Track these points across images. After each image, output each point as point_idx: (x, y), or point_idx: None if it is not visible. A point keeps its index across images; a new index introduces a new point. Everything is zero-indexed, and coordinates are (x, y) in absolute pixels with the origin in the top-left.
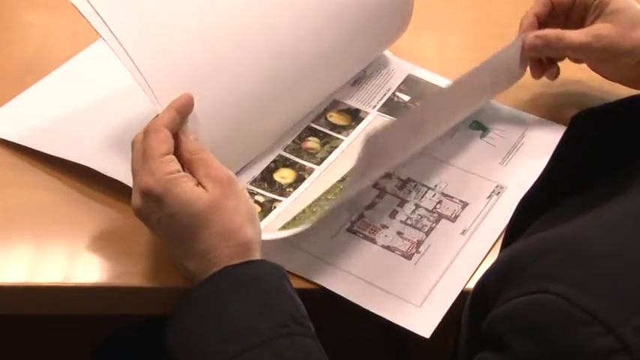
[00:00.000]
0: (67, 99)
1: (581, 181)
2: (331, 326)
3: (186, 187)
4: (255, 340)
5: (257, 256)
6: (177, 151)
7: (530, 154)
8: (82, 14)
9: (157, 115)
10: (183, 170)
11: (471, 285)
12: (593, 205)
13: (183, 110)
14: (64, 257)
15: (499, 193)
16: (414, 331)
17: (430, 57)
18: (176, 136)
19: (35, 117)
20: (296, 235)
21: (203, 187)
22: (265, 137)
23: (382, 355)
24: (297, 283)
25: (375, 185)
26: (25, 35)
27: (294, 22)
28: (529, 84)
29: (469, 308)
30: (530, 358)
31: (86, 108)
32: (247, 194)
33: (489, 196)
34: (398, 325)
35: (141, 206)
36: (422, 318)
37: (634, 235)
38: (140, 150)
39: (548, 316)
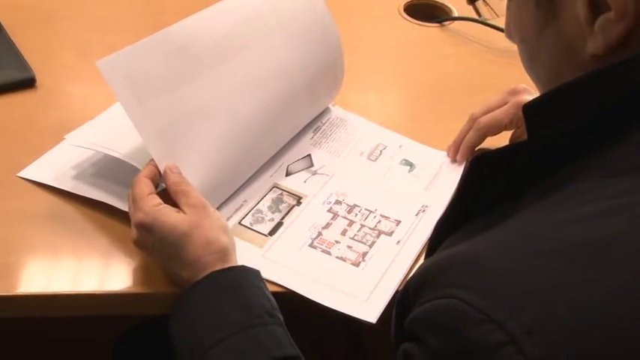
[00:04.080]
0: (88, 151)
1: (481, 207)
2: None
3: (170, 215)
4: (236, 328)
5: (235, 259)
6: (166, 183)
7: (446, 181)
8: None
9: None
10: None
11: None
12: (488, 227)
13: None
14: (97, 271)
15: (424, 210)
16: (363, 318)
17: (374, 112)
18: (165, 173)
19: (65, 164)
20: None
21: (183, 212)
22: (239, 178)
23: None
24: (271, 288)
25: (329, 210)
26: (63, 102)
27: (253, 94)
28: (447, 132)
29: (396, 309)
30: (440, 350)
31: (103, 157)
32: (219, 214)
33: (417, 214)
34: (350, 316)
35: (138, 238)
36: (368, 308)
37: (515, 252)
38: (130, 197)
39: (453, 317)
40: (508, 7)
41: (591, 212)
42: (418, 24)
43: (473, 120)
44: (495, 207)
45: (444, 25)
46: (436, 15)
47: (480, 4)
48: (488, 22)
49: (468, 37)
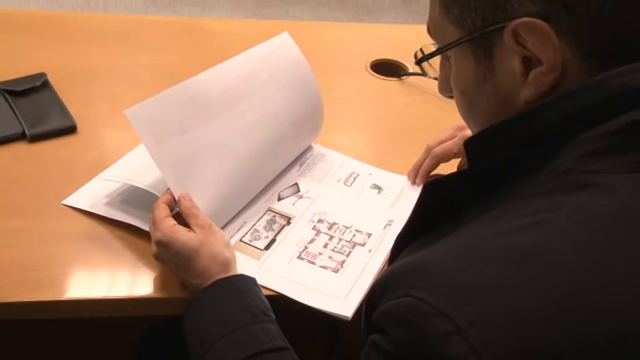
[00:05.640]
0: (117, 183)
1: (433, 222)
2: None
3: (183, 233)
4: (236, 325)
5: (235, 269)
6: (179, 208)
7: (407, 200)
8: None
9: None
10: (179, 223)
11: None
12: (439, 239)
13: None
14: (126, 280)
15: (390, 224)
16: (342, 313)
17: (348, 148)
18: (179, 199)
19: (100, 194)
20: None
21: (193, 231)
22: (239, 203)
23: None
24: (266, 292)
25: (313, 227)
26: (99, 144)
27: (250, 136)
28: (406, 162)
29: (365, 307)
30: (401, 339)
31: (130, 188)
32: (223, 233)
33: (385, 227)
34: (331, 313)
35: (157, 252)
36: (345, 305)
37: (460, 259)
38: (151, 220)
39: (411, 312)
40: (442, 67)
41: (521, 225)
42: (381, 78)
43: (428, 150)
44: (444, 223)
45: (402, 79)
46: (396, 71)
47: (425, 64)
48: (437, 77)
49: (420, 89)
